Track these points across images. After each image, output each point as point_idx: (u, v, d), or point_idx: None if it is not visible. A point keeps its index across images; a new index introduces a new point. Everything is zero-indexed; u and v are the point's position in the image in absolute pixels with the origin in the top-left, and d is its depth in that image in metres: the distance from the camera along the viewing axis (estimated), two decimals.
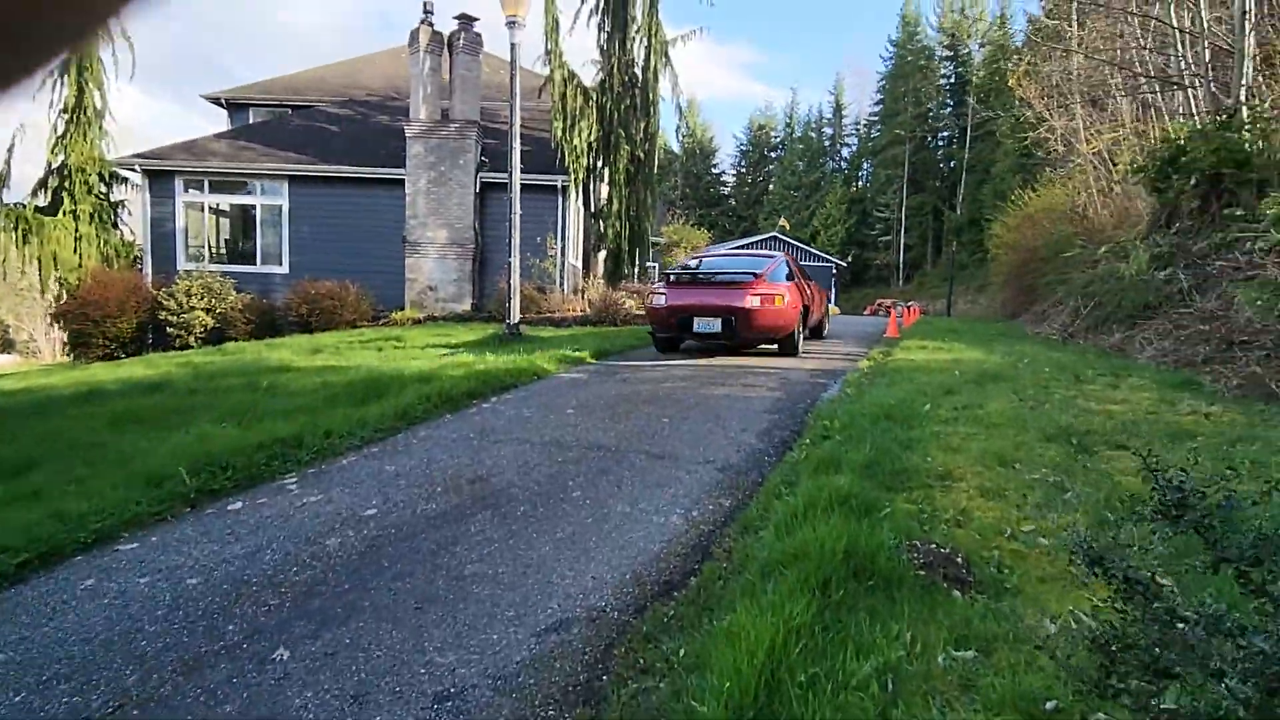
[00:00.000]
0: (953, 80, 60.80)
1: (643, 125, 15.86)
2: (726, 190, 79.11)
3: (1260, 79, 11.74)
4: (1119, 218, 15.65)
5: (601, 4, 15.65)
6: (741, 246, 53.02)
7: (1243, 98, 11.44)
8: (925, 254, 60.92)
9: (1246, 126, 11.08)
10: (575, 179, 15.59)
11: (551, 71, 15.07)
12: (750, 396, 6.34)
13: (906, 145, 59.89)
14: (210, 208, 16.97)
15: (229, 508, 3.81)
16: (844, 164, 71.41)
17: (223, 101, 20.05)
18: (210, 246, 17.01)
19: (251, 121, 19.86)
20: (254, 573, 2.99)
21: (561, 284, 16.63)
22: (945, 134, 61.93)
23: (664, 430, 5.16)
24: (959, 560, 2.72)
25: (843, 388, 6.55)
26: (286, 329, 14.92)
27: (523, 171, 17.01)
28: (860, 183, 69.13)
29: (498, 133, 17.17)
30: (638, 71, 15.95)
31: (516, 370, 7.21)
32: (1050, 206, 18.47)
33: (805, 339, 10.16)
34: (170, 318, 14.40)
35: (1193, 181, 11.19)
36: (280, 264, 16.58)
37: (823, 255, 54.90)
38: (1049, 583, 2.56)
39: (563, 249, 16.69)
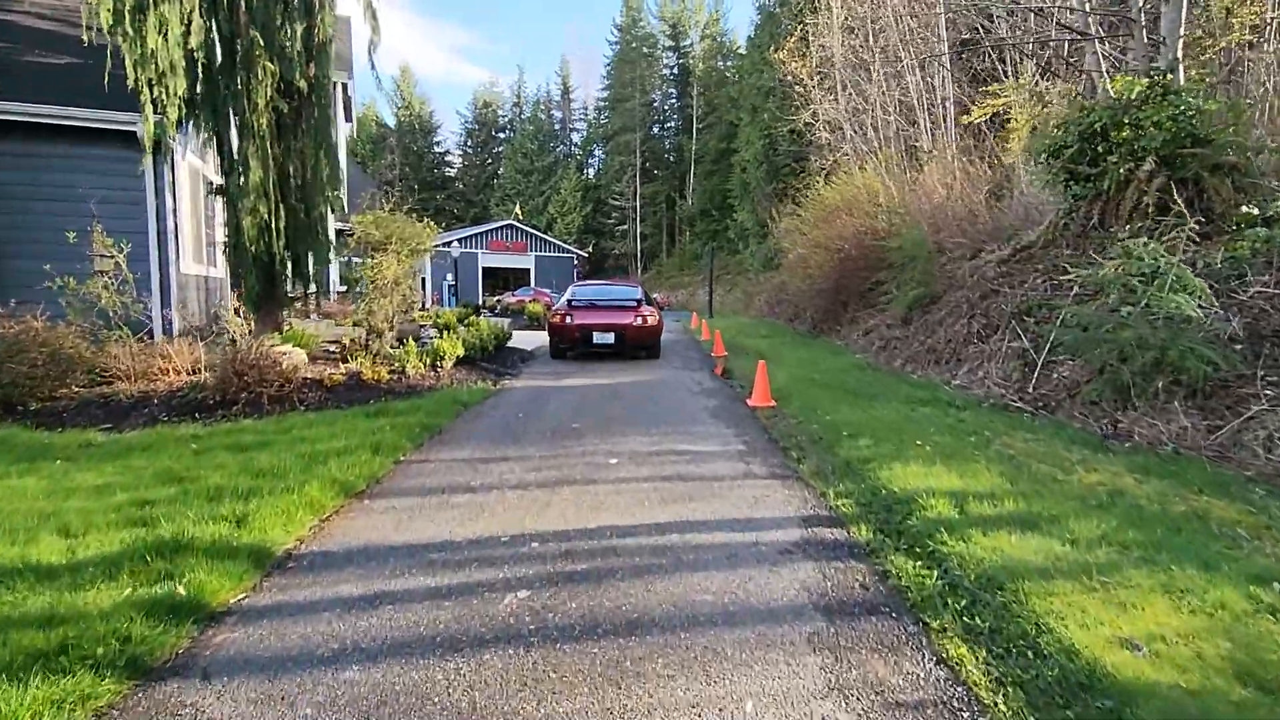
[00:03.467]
0: (676, 70, 59.84)
1: (300, 30, 8.62)
2: (453, 172, 70.49)
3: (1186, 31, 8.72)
4: (964, 216, 12.53)
5: None
6: (476, 236, 45.89)
7: (1179, 54, 8.28)
8: (661, 243, 59.55)
9: (1184, 92, 7.88)
10: (169, 120, 7.85)
11: None
12: None
13: (637, 133, 57.56)
14: None
15: None
16: (576, 149, 67.43)
17: None
18: None
19: None
20: None
21: (163, 321, 8.81)
22: (672, 124, 60.96)
23: None
24: None
25: None
26: None
27: (57, 102, 8.77)
28: (593, 170, 65.80)
29: None
30: None
31: None
32: (854, 200, 15.15)
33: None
34: None
35: (1146, 166, 7.72)
36: None
37: (562, 245, 50.02)
38: None
39: (161, 254, 8.86)
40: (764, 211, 30.44)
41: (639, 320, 11.31)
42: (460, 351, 9.15)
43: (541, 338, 16.04)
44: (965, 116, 12.11)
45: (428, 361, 8.85)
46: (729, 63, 55.33)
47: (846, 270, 14.76)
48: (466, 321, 13.63)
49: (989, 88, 10.84)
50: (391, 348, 9.15)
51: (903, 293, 10.93)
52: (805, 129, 23.13)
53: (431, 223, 10.32)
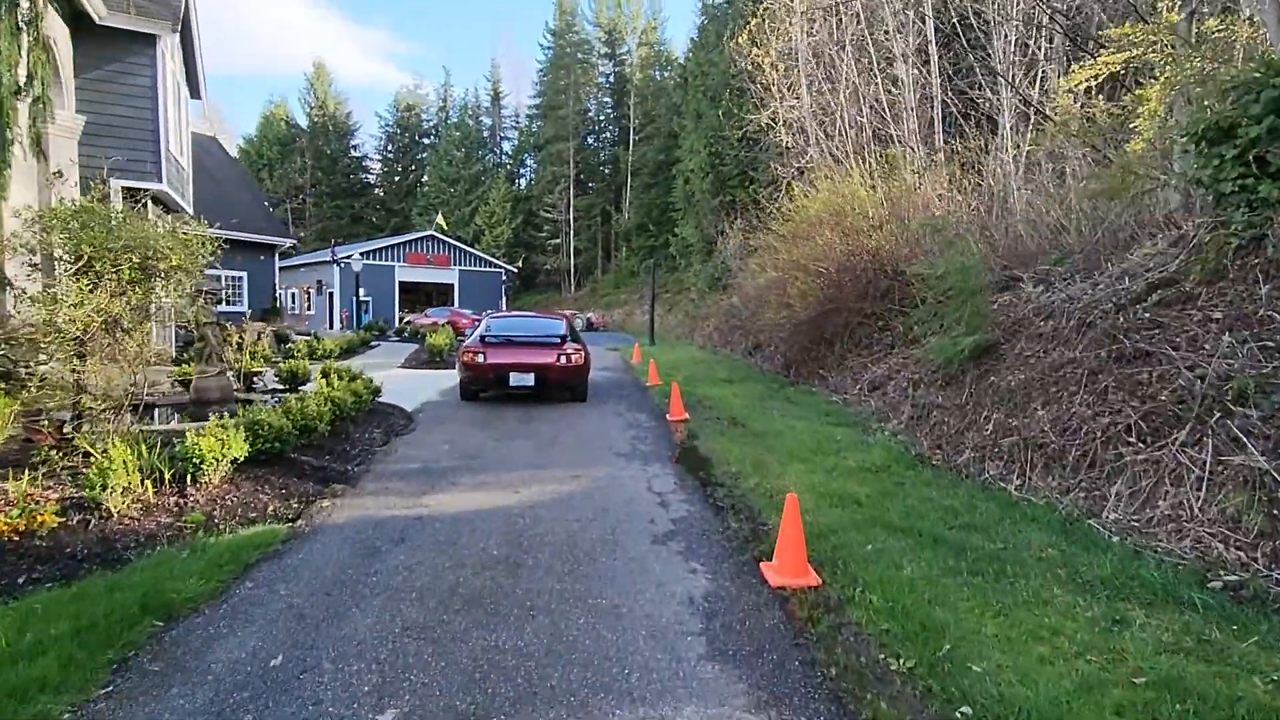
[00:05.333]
0: (612, 79, 56.54)
1: None
2: (372, 178, 64.80)
3: None
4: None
5: None
6: (392, 247, 40.89)
7: None
8: (596, 259, 55.82)
9: None
10: None
11: None
12: None
13: (570, 142, 53.80)
14: None
15: None
16: (506, 158, 63.07)
17: None
18: None
19: None
20: None
21: None
22: (608, 134, 57.52)
23: None
24: None
25: None
26: None
27: None
28: (524, 180, 61.59)
29: None
30: None
31: None
32: (839, 211, 11.83)
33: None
34: None
35: None
36: None
37: (490, 259, 45.54)
38: None
39: None
40: (710, 226, 27.24)
41: (562, 359, 9.80)
42: (240, 452, 5.05)
43: (439, 382, 11.96)
44: (1064, 79, 8.87)
45: (169, 475, 4.74)
46: (667, 72, 52.46)
47: (835, 299, 11.38)
48: (327, 368, 9.44)
49: (1116, 30, 7.51)
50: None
51: (947, 340, 7.52)
52: (763, 131, 19.97)
53: (203, 222, 6.17)
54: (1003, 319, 7.74)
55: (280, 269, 46.17)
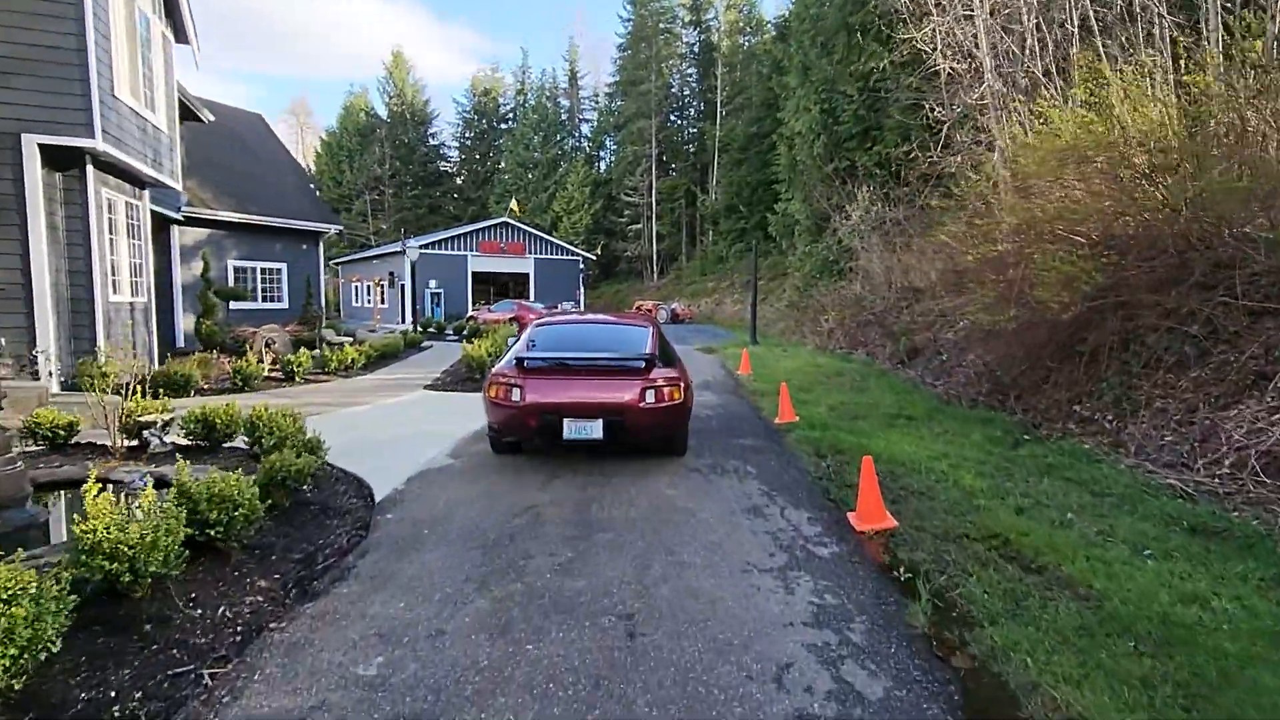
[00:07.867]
0: (697, 49, 51.55)
1: None
2: (450, 167, 62.67)
3: None
4: None
5: None
6: (463, 236, 37.96)
7: None
8: (679, 244, 51.25)
9: None
10: None
11: None
12: None
13: (652, 119, 49.29)
14: None
15: None
16: (585, 141, 59.31)
17: None
18: None
19: None
20: None
21: None
22: (692, 109, 52.65)
23: None
24: None
25: None
26: None
27: None
28: (604, 164, 57.67)
29: None
30: None
31: None
32: (1097, 141, 6.89)
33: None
34: None
35: None
36: None
37: (568, 247, 41.85)
38: None
39: None
40: (821, 199, 22.24)
41: (649, 397, 5.80)
42: None
43: (464, 420, 7.92)
44: None
45: None
46: (757, 37, 47.01)
47: (1109, 288, 6.52)
48: (257, 411, 5.52)
49: None
50: None
51: None
52: (904, 67, 14.92)
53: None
54: None
55: (354, 261, 44.56)
